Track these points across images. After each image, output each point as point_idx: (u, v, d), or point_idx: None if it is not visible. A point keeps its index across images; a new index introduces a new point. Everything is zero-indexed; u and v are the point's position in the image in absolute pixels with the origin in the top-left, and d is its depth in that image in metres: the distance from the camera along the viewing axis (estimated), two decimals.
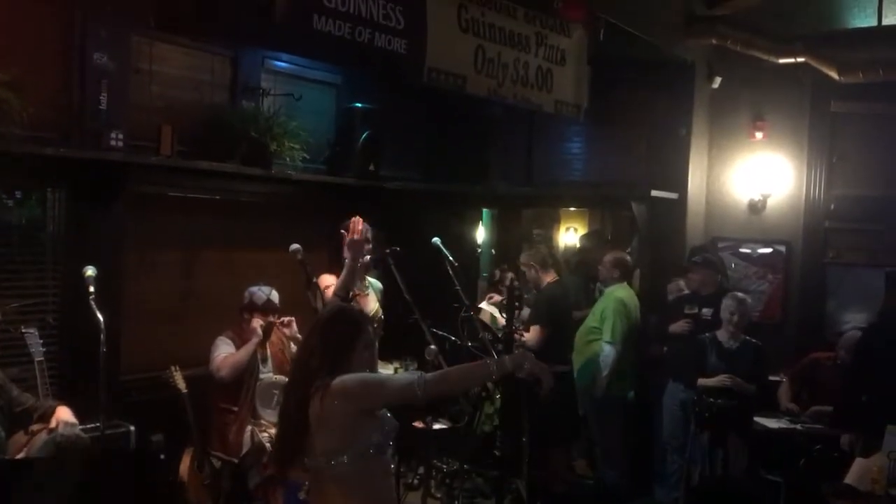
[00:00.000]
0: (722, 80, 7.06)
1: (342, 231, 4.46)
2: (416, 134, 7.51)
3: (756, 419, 5.61)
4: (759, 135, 7.00)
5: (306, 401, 2.80)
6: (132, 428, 4.67)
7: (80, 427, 3.87)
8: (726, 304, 5.54)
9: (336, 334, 2.92)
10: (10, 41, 4.34)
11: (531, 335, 5.91)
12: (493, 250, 8.33)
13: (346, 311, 3.16)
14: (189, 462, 5.01)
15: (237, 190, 5.82)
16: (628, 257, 6.48)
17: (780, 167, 6.97)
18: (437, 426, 5.09)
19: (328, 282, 4.57)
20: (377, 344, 4.61)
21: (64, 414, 3.79)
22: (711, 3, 6.79)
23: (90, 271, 4.13)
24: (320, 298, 4.35)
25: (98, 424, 4.01)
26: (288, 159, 5.80)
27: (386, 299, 5.13)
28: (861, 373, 5.05)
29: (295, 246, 4.42)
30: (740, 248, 7.11)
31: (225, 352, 4.94)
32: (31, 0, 4.52)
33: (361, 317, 3.18)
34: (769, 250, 7.03)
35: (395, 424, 2.94)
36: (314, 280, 4.40)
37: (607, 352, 6.00)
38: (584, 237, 8.71)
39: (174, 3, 4.28)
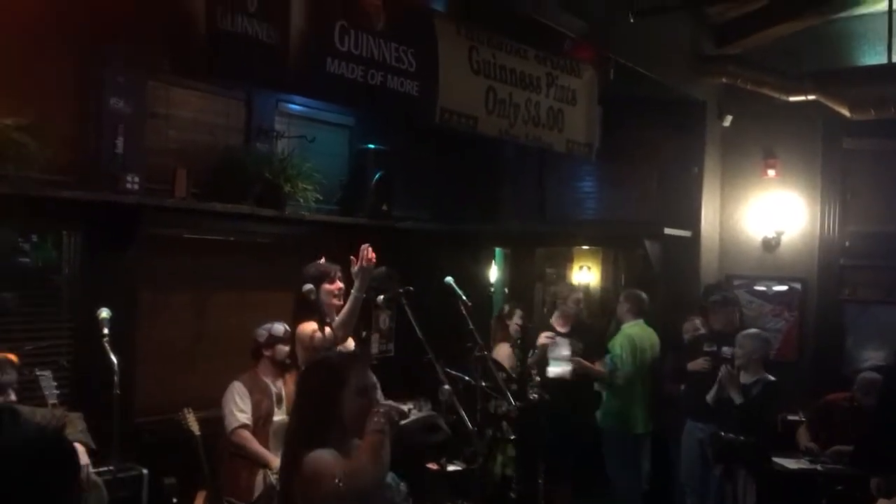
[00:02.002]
0: (733, 118, 7.09)
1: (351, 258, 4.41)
2: (428, 174, 7.54)
3: (775, 459, 5.52)
4: (771, 172, 7.00)
5: (289, 481, 2.59)
6: (145, 471, 4.65)
7: (94, 470, 3.85)
8: (735, 340, 5.52)
9: (313, 392, 2.67)
10: (28, 86, 4.42)
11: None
12: (505, 289, 8.30)
13: (323, 362, 2.91)
14: None
15: (251, 231, 5.85)
16: (643, 294, 6.45)
17: (793, 204, 6.95)
18: (451, 467, 5.03)
19: (308, 330, 4.31)
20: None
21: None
22: (721, 42, 6.85)
23: (104, 313, 4.15)
24: (303, 349, 4.30)
25: (111, 468, 3.99)
26: (301, 200, 5.84)
27: (399, 339, 5.11)
28: (884, 414, 4.97)
29: (308, 286, 4.41)
30: (755, 285, 7.06)
31: (239, 409, 4.86)
32: (49, 46, 4.60)
33: (347, 361, 2.91)
34: (784, 288, 6.97)
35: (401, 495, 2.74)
36: (326, 320, 4.39)
37: (608, 362, 6.07)
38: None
39: (189, 49, 4.35)
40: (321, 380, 2.71)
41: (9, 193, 4.15)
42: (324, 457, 2.53)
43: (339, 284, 4.55)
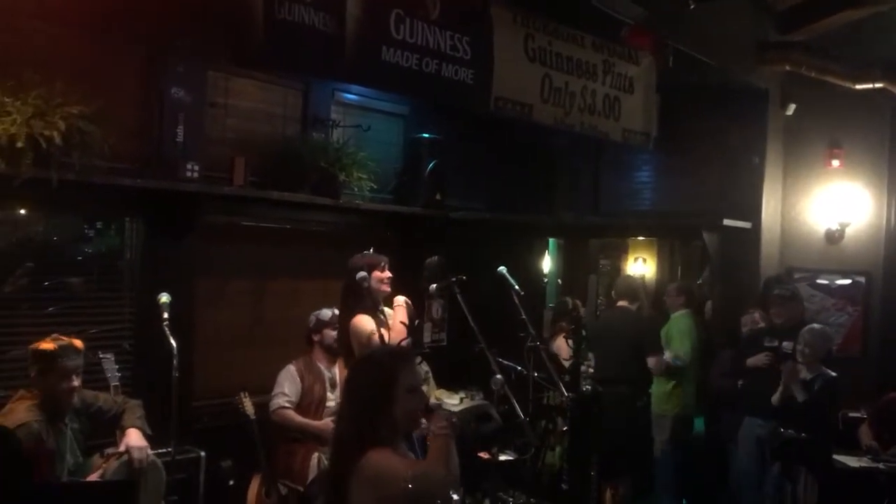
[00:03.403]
0: (796, 107, 6.90)
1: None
2: (482, 163, 7.52)
3: (836, 457, 5.39)
4: (835, 162, 6.81)
5: (342, 482, 2.51)
6: (202, 453, 4.75)
7: (153, 452, 3.95)
8: (799, 335, 5.39)
9: (364, 390, 2.61)
10: (93, 76, 4.52)
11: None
12: (559, 280, 8.25)
13: (372, 359, 2.85)
14: (257, 488, 5.05)
15: (306, 219, 5.91)
16: (693, 286, 6.44)
17: (858, 196, 6.75)
18: (502, 457, 5.02)
19: (367, 329, 4.40)
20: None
21: (133, 439, 3.87)
22: (784, 29, 6.66)
23: (164, 298, 4.24)
24: (359, 345, 4.35)
25: (170, 449, 4.09)
26: (356, 189, 5.88)
27: (452, 328, 5.12)
28: None
29: (362, 273, 4.46)
30: (817, 279, 6.88)
31: (283, 393, 4.99)
32: (112, 37, 4.71)
33: (396, 356, 2.83)
34: (848, 282, 6.78)
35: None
36: (379, 310, 4.43)
37: (672, 359, 6.01)
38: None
39: (247, 39, 4.41)
40: (372, 377, 2.63)
41: (74, 180, 4.26)
42: (389, 457, 2.49)
43: (389, 273, 4.63)
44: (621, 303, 6.17)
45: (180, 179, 4.87)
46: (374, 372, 2.65)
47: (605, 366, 5.92)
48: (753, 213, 6.72)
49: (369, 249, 4.74)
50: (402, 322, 4.54)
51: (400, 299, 4.67)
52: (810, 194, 6.94)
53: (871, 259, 6.73)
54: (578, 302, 6.40)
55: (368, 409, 2.55)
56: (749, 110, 6.79)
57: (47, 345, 3.73)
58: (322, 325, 5.14)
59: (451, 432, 2.56)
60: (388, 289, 4.62)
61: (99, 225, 5.11)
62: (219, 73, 5.35)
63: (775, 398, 5.32)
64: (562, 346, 6.22)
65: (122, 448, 3.84)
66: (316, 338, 5.16)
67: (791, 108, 6.91)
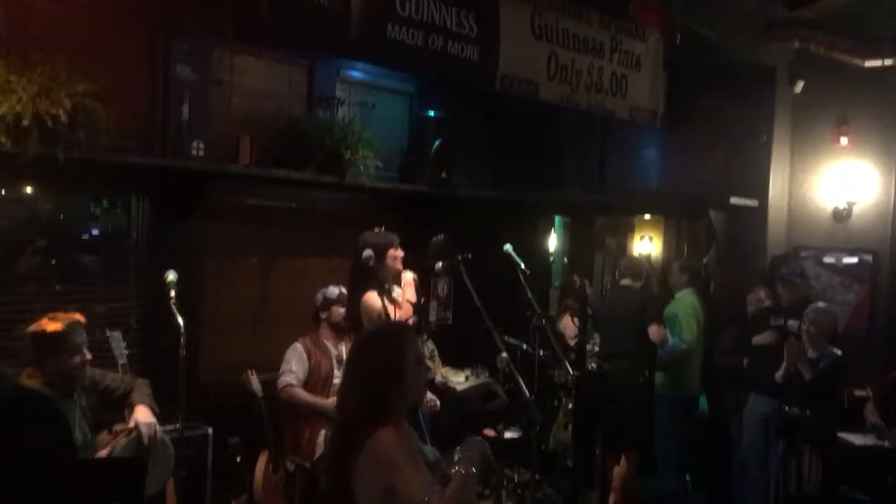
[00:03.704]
0: (804, 85, 6.84)
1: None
2: (488, 141, 7.50)
3: (841, 435, 5.40)
4: (843, 140, 6.76)
5: (346, 462, 2.48)
6: (210, 430, 4.79)
7: (161, 428, 3.97)
8: (804, 314, 5.38)
9: (374, 365, 2.57)
10: (98, 54, 4.51)
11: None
12: (565, 259, 8.24)
13: (379, 332, 2.85)
14: (264, 465, 5.10)
15: (312, 198, 5.91)
16: (697, 264, 6.43)
17: (866, 174, 6.71)
18: (508, 435, 5.05)
19: (377, 307, 4.44)
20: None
21: (141, 415, 3.90)
22: (793, 5, 6.59)
23: (171, 276, 4.25)
24: (369, 321, 4.38)
25: (177, 426, 4.12)
26: (361, 167, 5.86)
27: (457, 307, 5.13)
28: None
29: (368, 252, 4.47)
30: (824, 257, 6.86)
31: (291, 370, 5.01)
32: (117, 14, 4.70)
33: (402, 329, 2.88)
34: (855, 260, 6.76)
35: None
36: (386, 288, 4.44)
37: (674, 344, 5.98)
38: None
39: (252, 16, 4.39)
40: (383, 351, 2.60)
41: (80, 159, 4.26)
42: (401, 452, 2.46)
43: (401, 252, 4.66)
44: (625, 282, 6.17)
45: (186, 158, 4.87)
46: (385, 345, 2.63)
47: (609, 343, 5.94)
48: (760, 191, 6.69)
49: (381, 227, 4.75)
50: (409, 300, 4.56)
51: (408, 276, 4.69)
52: (818, 172, 6.90)
53: (878, 237, 6.70)
54: (586, 281, 6.39)
55: (379, 384, 2.53)
56: (757, 88, 6.73)
57: (54, 325, 3.71)
58: (330, 302, 5.16)
59: (474, 475, 2.51)
60: (401, 267, 4.67)
61: (105, 203, 5.12)
62: (223, 50, 5.33)
63: (779, 375, 5.34)
64: (568, 325, 6.24)
65: (130, 424, 3.86)
66: (323, 315, 5.18)
67: (799, 86, 6.85)
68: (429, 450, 2.74)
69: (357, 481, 2.46)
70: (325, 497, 2.61)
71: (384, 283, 4.47)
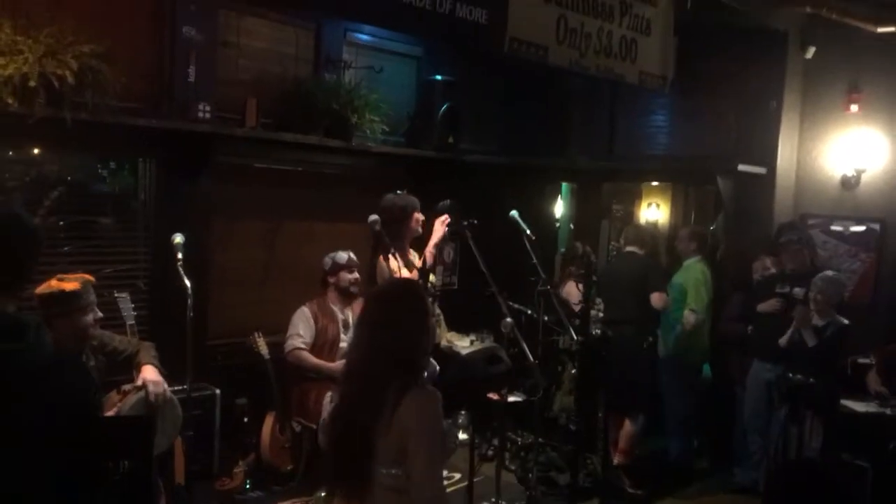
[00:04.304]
0: (816, 50, 6.75)
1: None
2: (495, 106, 7.46)
3: (844, 402, 5.43)
4: (854, 107, 6.68)
5: (382, 400, 2.43)
6: (217, 391, 4.85)
7: (169, 388, 4.02)
8: (812, 282, 5.39)
9: (406, 324, 2.51)
10: (103, 14, 4.49)
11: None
12: (571, 225, 8.24)
13: (419, 286, 2.84)
14: (271, 425, 5.17)
15: (319, 162, 5.91)
16: (705, 231, 6.42)
17: (875, 141, 6.65)
18: (512, 399, 5.10)
19: (387, 265, 4.47)
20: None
21: (149, 374, 3.94)
22: None
23: (178, 238, 4.27)
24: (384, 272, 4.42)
25: (185, 386, 4.17)
26: (368, 131, 5.85)
27: (463, 272, 5.16)
28: None
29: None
30: (831, 225, 6.83)
31: (298, 334, 5.05)
32: None
33: (421, 287, 3.02)
34: (862, 228, 6.73)
35: (455, 440, 2.78)
36: (392, 252, 4.46)
37: (688, 317, 5.98)
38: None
39: None
40: (412, 308, 2.56)
41: (87, 120, 4.26)
42: (432, 406, 2.45)
43: (422, 216, 4.77)
44: (630, 248, 6.17)
45: (192, 120, 4.86)
46: (415, 302, 2.58)
47: (612, 308, 5.96)
48: (769, 158, 6.65)
49: (403, 190, 4.81)
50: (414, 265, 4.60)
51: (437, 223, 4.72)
52: (827, 140, 6.85)
53: (886, 205, 6.66)
54: (589, 248, 6.39)
55: (417, 344, 2.50)
56: (768, 53, 6.65)
57: (71, 285, 3.74)
58: (338, 267, 5.18)
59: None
60: (422, 230, 4.73)
61: (113, 165, 5.13)
62: (230, 11, 5.30)
63: (783, 340, 5.37)
64: (571, 292, 6.25)
65: (138, 382, 3.91)
66: (332, 280, 5.20)
67: (811, 52, 6.77)
68: None
69: (389, 430, 2.41)
70: (336, 457, 2.57)
71: (389, 249, 4.45)
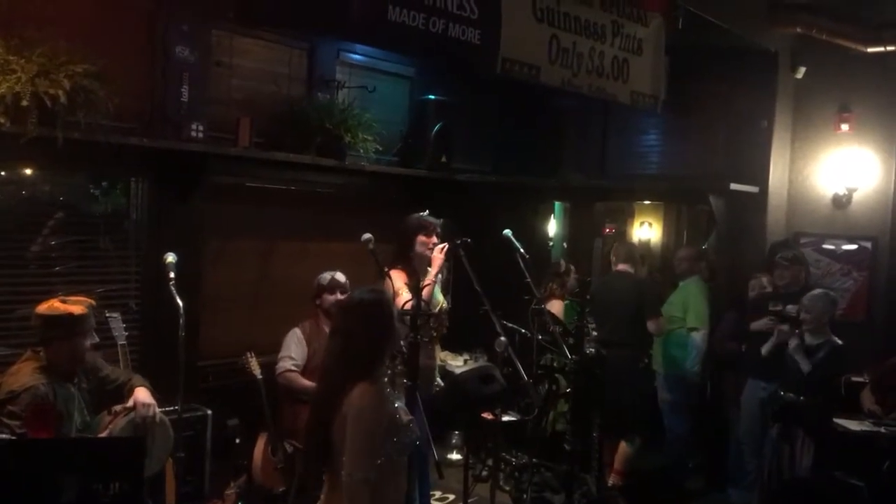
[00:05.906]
0: (806, 70, 6.82)
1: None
2: (488, 126, 7.48)
3: (837, 421, 5.42)
4: (844, 127, 6.74)
5: (338, 396, 2.73)
6: (209, 412, 4.81)
7: (160, 409, 3.98)
8: (800, 302, 5.39)
9: (371, 331, 2.83)
10: (96, 33, 4.49)
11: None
12: (564, 243, 8.25)
13: (380, 295, 3.05)
14: (263, 447, 5.12)
15: (312, 181, 5.90)
16: (702, 252, 6.46)
17: (866, 160, 6.70)
18: (506, 418, 5.07)
19: (398, 280, 4.50)
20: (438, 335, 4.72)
21: (141, 395, 3.91)
22: None
23: (171, 258, 4.26)
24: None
25: (176, 407, 4.14)
26: (361, 151, 5.85)
27: (456, 291, 5.14)
28: None
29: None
30: (823, 244, 6.86)
31: (290, 356, 5.03)
32: None
33: (385, 293, 3.27)
34: (854, 247, 6.76)
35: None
36: (385, 270, 4.44)
37: (697, 337, 6.03)
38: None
39: None
40: (381, 314, 2.86)
41: (80, 140, 4.25)
42: (372, 401, 2.71)
43: (435, 239, 4.68)
44: (621, 266, 6.17)
45: (185, 139, 4.85)
46: (384, 309, 2.89)
47: (605, 329, 5.94)
48: (761, 177, 6.68)
49: (426, 211, 4.83)
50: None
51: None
52: (818, 159, 6.89)
53: (877, 224, 6.70)
54: (572, 266, 6.39)
55: (374, 347, 2.80)
56: (758, 73, 6.71)
57: (78, 308, 3.71)
58: (321, 289, 5.17)
59: None
60: (430, 254, 4.66)
61: (105, 184, 5.10)
62: (223, 31, 5.31)
63: (765, 348, 5.38)
64: (555, 309, 6.24)
65: (129, 404, 3.88)
66: (318, 301, 5.19)
67: (801, 72, 6.83)
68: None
69: (341, 430, 2.68)
70: (307, 459, 2.94)
71: (381, 267, 4.42)
